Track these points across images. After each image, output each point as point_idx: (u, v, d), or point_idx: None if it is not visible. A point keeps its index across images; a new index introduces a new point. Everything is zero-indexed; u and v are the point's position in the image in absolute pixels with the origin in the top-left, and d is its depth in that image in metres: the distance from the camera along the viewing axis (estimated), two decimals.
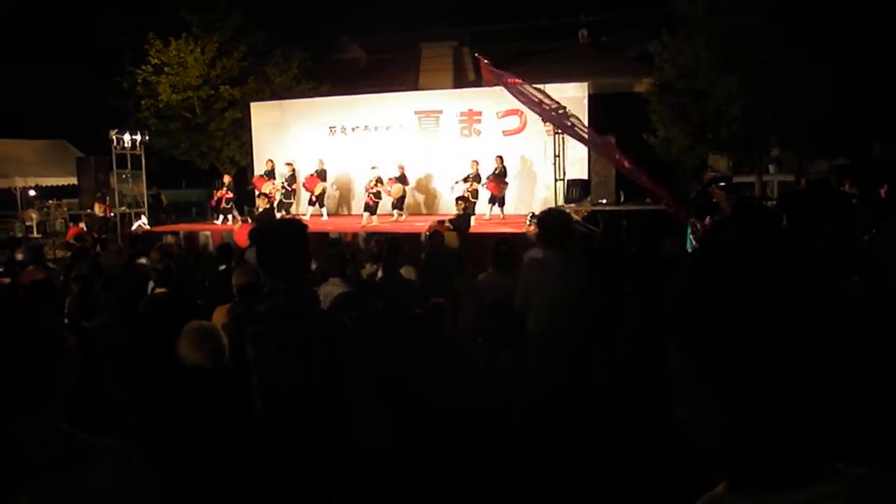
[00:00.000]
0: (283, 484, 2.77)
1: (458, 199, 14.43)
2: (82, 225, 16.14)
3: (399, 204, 16.39)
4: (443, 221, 13.73)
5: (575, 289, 4.46)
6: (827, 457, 0.88)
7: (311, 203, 17.12)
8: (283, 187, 17.02)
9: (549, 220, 4.79)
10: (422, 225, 13.43)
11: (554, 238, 4.60)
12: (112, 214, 16.71)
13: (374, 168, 16.52)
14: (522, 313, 4.60)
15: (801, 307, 0.84)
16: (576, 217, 13.37)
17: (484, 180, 15.41)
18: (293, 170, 17.39)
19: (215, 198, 17.77)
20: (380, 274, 6.59)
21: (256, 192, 16.55)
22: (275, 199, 16.49)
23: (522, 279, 4.67)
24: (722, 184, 17.96)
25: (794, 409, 0.84)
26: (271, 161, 17.63)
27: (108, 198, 16.79)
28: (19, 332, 1.35)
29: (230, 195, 17.51)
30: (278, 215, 15.77)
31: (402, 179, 16.48)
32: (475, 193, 14.96)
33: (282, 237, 3.06)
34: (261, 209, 15.57)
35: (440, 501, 3.80)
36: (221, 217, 17.25)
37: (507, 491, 3.85)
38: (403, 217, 16.33)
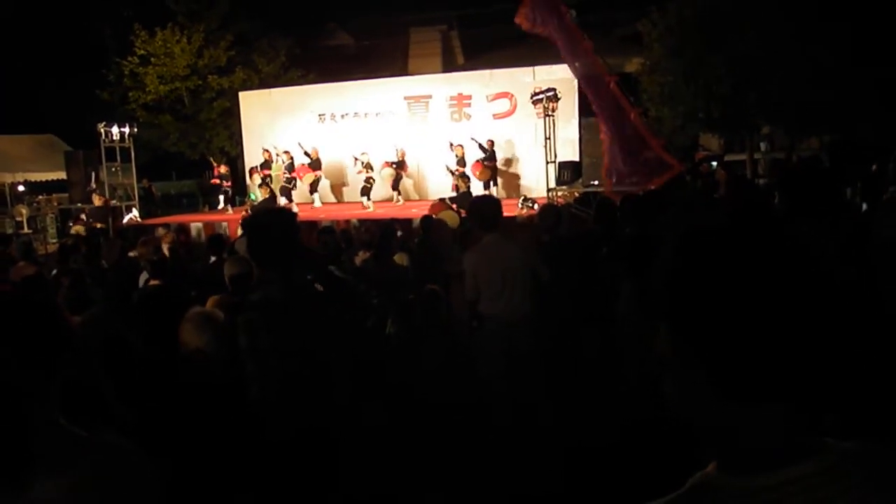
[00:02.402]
0: (278, 469, 2.78)
1: (462, 176, 14.55)
2: (83, 216, 16.06)
3: (396, 186, 16.49)
4: (444, 199, 13.78)
5: (516, 266, 4.70)
6: (816, 433, 0.88)
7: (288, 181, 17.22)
8: (284, 175, 17.01)
9: (481, 206, 5.08)
10: (416, 211, 13.43)
11: (488, 222, 4.84)
12: (111, 203, 16.69)
13: (364, 153, 16.54)
14: (475, 300, 4.81)
15: (788, 287, 0.84)
16: (568, 199, 13.37)
17: (470, 164, 15.48)
18: (291, 158, 17.35)
19: (213, 181, 17.81)
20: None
21: (257, 182, 16.54)
22: (272, 187, 16.54)
23: (468, 267, 4.83)
24: (714, 162, 18.01)
25: (782, 388, 0.84)
26: (268, 151, 17.55)
27: (97, 190, 16.72)
28: (48, 324, 1.39)
29: (227, 184, 17.48)
30: (282, 202, 15.85)
31: (400, 165, 16.53)
32: (464, 176, 15.00)
33: (271, 227, 3.06)
34: (260, 199, 15.61)
35: (433, 486, 3.82)
36: (221, 205, 17.28)
37: (498, 476, 3.88)
38: (401, 202, 16.43)
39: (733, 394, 0.85)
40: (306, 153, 17.12)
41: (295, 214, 3.14)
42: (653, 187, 10.29)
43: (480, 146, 15.60)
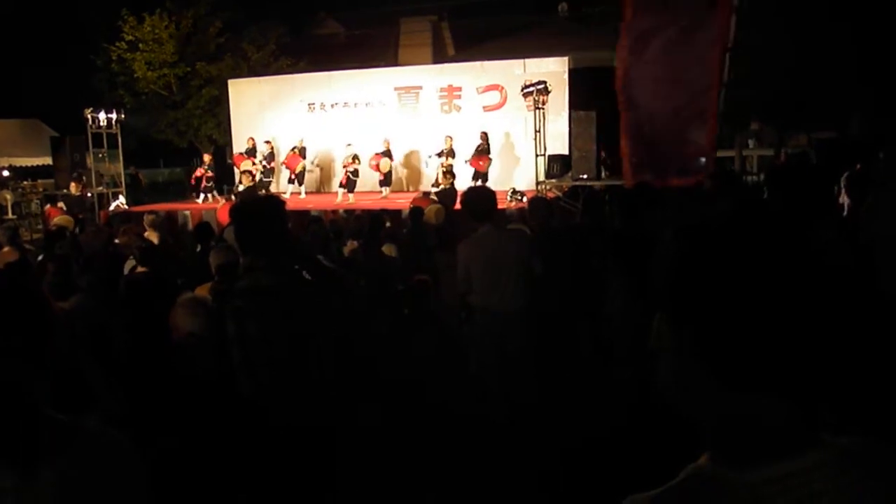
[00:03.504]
0: (271, 459, 2.76)
1: (445, 172, 14.44)
2: (61, 205, 15.89)
3: (386, 180, 16.35)
4: (428, 193, 13.70)
5: (510, 258, 4.67)
6: (812, 428, 0.88)
7: (290, 181, 17.04)
8: (262, 165, 16.91)
9: (474, 197, 5.05)
10: (403, 202, 13.39)
11: (483, 213, 4.82)
12: (90, 195, 16.49)
13: (349, 145, 16.45)
14: (467, 293, 4.77)
15: (789, 280, 0.83)
16: (557, 193, 13.37)
17: (468, 158, 15.41)
18: (272, 147, 17.26)
19: (195, 176, 17.61)
20: None
21: (237, 171, 16.43)
22: (256, 177, 16.42)
23: (461, 259, 4.79)
24: (702, 158, 18.04)
25: (781, 381, 0.84)
26: (252, 139, 17.49)
27: (83, 177, 16.55)
28: (33, 311, 1.37)
29: (210, 174, 17.34)
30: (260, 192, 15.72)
31: (388, 154, 16.43)
32: (450, 169, 14.91)
33: (259, 214, 3.04)
34: (242, 187, 15.45)
35: (424, 475, 3.82)
36: (202, 196, 17.08)
37: (491, 470, 3.89)
38: (386, 194, 16.32)
39: (735, 384, 0.85)
40: (295, 146, 17.06)
41: (283, 202, 3.12)
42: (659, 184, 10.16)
43: (478, 145, 15.59)
